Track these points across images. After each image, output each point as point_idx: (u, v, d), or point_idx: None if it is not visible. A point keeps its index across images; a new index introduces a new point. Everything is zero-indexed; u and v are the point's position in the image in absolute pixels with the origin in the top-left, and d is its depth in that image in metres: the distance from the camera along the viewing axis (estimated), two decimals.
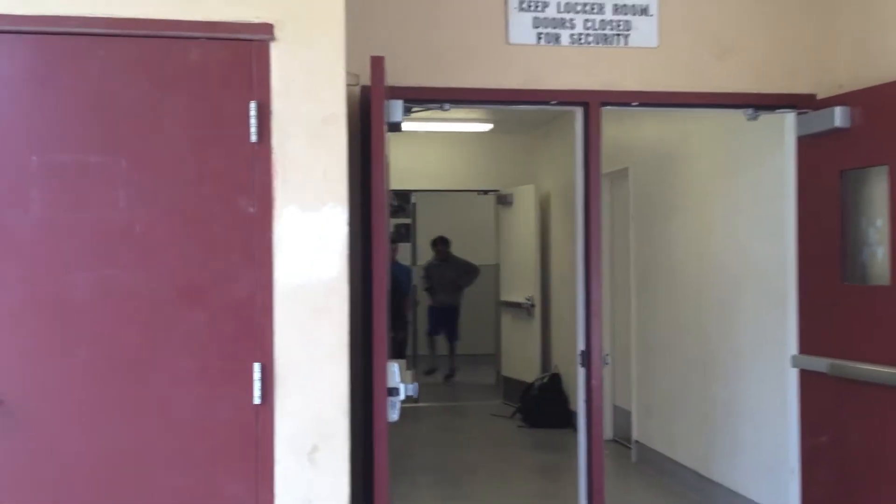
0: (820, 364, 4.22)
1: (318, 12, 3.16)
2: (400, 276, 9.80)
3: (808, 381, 4.38)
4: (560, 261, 8.87)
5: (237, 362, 3.04)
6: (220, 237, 3.06)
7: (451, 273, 11.54)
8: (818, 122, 4.24)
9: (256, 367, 3.04)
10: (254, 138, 3.06)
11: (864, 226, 4.21)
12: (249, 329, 3.05)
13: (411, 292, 10.88)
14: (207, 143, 3.06)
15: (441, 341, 12.16)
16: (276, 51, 3.10)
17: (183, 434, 3.03)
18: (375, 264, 3.35)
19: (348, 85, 3.39)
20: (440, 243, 11.53)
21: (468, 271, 11.56)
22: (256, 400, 3.03)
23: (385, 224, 3.41)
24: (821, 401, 4.31)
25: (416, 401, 9.75)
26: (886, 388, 3.81)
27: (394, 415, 3.31)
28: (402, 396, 3.33)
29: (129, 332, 3.02)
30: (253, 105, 3.06)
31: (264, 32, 3.08)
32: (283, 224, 3.09)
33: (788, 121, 4.49)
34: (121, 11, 3.02)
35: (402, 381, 3.35)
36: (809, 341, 4.38)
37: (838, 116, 4.11)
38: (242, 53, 3.07)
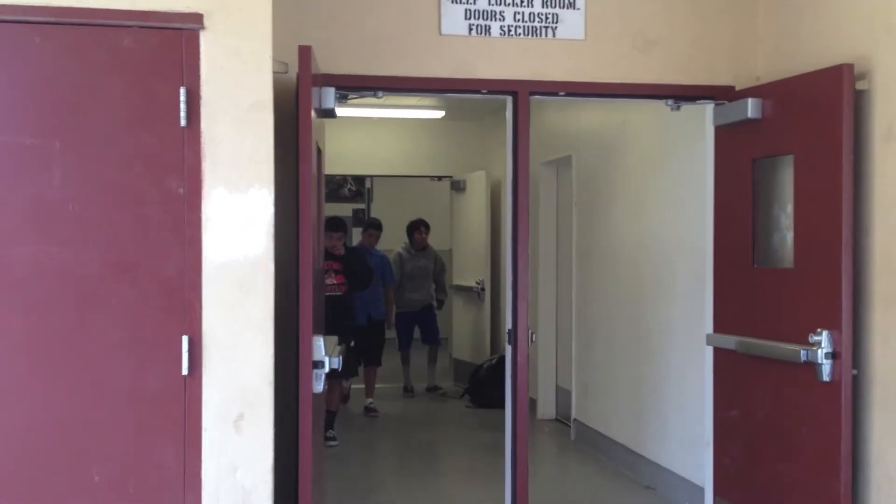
0: (730, 342, 4.46)
1: (247, 3, 3.31)
2: (381, 266, 8.81)
3: (721, 358, 4.63)
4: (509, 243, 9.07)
5: (166, 335, 3.21)
6: (151, 216, 3.22)
7: (430, 265, 9.71)
8: (733, 112, 4.46)
9: (185, 339, 3.20)
10: (183, 122, 3.22)
11: (775, 212, 4.45)
12: (178, 304, 3.22)
13: (394, 284, 9.30)
14: (139, 126, 3.21)
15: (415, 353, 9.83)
16: (205, 39, 3.26)
17: (114, 404, 3.20)
18: (302, 244, 3.53)
19: (279, 73, 3.57)
20: (421, 229, 9.60)
21: (443, 265, 9.96)
22: (185, 371, 3.20)
23: (313, 206, 3.58)
24: (731, 376, 4.56)
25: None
26: (788, 363, 4.06)
27: (318, 386, 3.50)
28: (326, 369, 3.52)
29: (63, 307, 3.18)
30: (183, 91, 3.22)
31: (194, 22, 3.23)
32: (212, 204, 3.26)
33: (708, 111, 4.72)
34: (56, 0, 3.16)
35: (327, 354, 3.54)
36: (722, 320, 4.62)
37: (751, 107, 4.34)
38: (173, 41, 3.23)
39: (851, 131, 3.81)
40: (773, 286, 4.30)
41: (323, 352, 3.51)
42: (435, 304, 9.88)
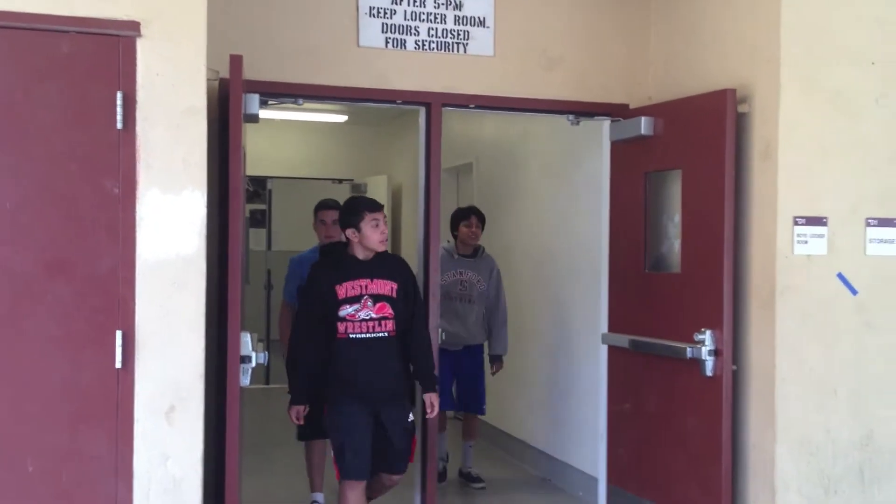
0: (623, 340, 4.84)
1: (182, 12, 3.47)
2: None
3: (615, 355, 5.01)
4: (410, 248, 9.35)
5: (100, 330, 3.34)
6: (87, 215, 3.34)
7: (482, 282, 6.08)
8: (627, 129, 4.84)
9: (118, 334, 3.34)
10: (119, 125, 3.36)
11: (664, 221, 4.84)
12: (112, 300, 3.35)
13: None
14: (76, 128, 3.33)
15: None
16: (142, 46, 3.40)
17: (49, 396, 3.30)
18: (231, 243, 3.70)
19: (208, 79, 3.73)
20: (471, 220, 6.08)
21: (498, 279, 6.20)
22: (118, 364, 3.34)
23: (242, 206, 3.76)
24: (624, 373, 4.94)
25: (267, 383, 10.06)
26: (675, 360, 4.44)
27: (245, 380, 3.68)
28: (253, 364, 3.70)
29: None
30: (119, 95, 3.35)
31: (131, 29, 3.37)
32: (146, 205, 3.40)
33: (604, 127, 5.09)
34: None
35: (254, 350, 3.72)
36: (616, 320, 4.99)
37: (643, 125, 4.72)
38: (110, 47, 3.36)
39: (733, 150, 4.22)
40: (663, 289, 4.68)
41: (250, 347, 3.68)
42: (485, 347, 6.12)
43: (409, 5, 4.72)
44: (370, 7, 4.68)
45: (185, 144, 3.46)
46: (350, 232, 4.28)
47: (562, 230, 6.35)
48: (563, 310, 6.30)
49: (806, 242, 4.10)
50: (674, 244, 4.73)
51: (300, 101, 4.68)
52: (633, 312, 4.88)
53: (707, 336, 4.27)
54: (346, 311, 4.20)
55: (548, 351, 6.49)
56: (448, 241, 6.16)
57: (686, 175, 4.52)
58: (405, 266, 4.47)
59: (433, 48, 4.79)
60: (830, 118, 4.13)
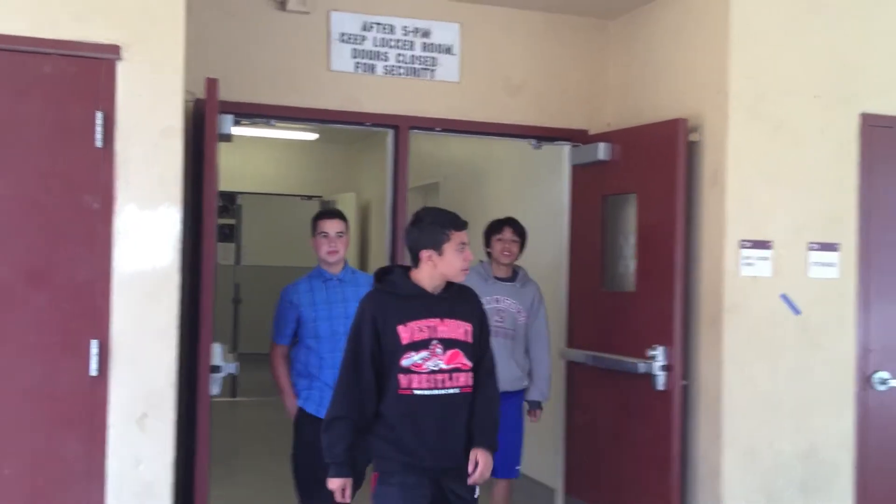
0: (581, 356, 5.04)
1: (162, 37, 3.64)
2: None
3: (573, 370, 5.21)
4: (378, 264, 9.50)
5: (77, 339, 3.47)
6: (66, 228, 3.49)
7: (521, 311, 4.95)
8: (586, 154, 5.06)
9: (94, 343, 3.48)
10: (99, 144, 3.51)
11: (621, 242, 5.07)
12: (89, 310, 3.49)
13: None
14: (57, 146, 3.48)
15: None
16: (122, 69, 3.56)
17: (26, 402, 3.44)
18: (205, 258, 3.86)
19: (185, 100, 3.89)
20: (504, 231, 5.03)
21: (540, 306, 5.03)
22: (93, 372, 3.48)
23: (215, 222, 3.92)
24: (582, 387, 5.14)
25: (234, 395, 10.16)
26: (630, 375, 4.64)
27: (215, 389, 3.83)
28: (223, 373, 3.85)
29: None
30: (99, 115, 3.51)
31: (112, 52, 3.54)
32: (123, 219, 3.56)
33: (565, 152, 5.30)
34: None
35: (224, 360, 3.88)
36: (575, 336, 5.20)
37: (601, 151, 4.94)
38: (92, 69, 3.52)
39: (684, 176, 4.45)
40: (618, 307, 4.90)
41: (220, 357, 3.83)
42: (525, 392, 4.98)
43: (378, 32, 4.92)
44: (341, 33, 4.87)
45: (161, 162, 3.62)
46: (426, 255, 3.34)
47: (524, 250, 6.53)
48: None
49: (752, 264, 4.33)
50: (629, 264, 4.95)
51: (273, 121, 4.85)
52: (591, 329, 5.08)
53: (659, 352, 4.48)
54: (410, 359, 3.28)
55: None
56: (482, 261, 5.05)
57: (641, 199, 4.75)
58: (478, 301, 3.54)
59: (401, 73, 4.98)
60: (776, 147, 4.37)
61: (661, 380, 4.48)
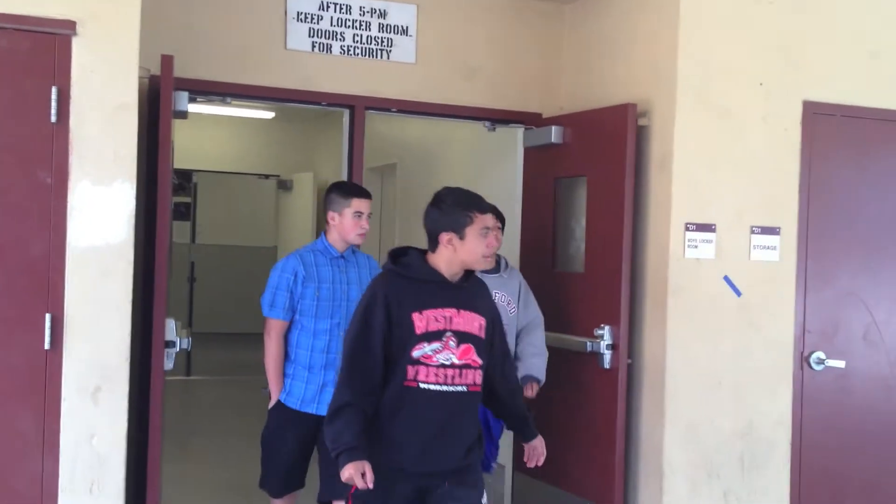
0: None
1: (117, 13, 3.66)
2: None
3: None
4: None
5: (31, 313, 3.50)
6: (20, 203, 3.51)
7: (513, 299, 4.66)
8: (539, 137, 5.16)
9: (48, 317, 3.51)
10: (53, 119, 3.53)
11: (572, 224, 5.18)
12: (43, 284, 3.52)
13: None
14: (12, 121, 3.50)
15: None
16: (77, 44, 3.58)
17: None
18: (159, 234, 3.89)
19: (140, 77, 3.91)
20: (495, 218, 3.68)
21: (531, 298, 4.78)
22: (47, 346, 3.51)
23: (169, 199, 3.95)
24: None
25: (188, 374, 10.17)
26: (579, 353, 4.76)
27: (169, 364, 3.88)
28: (177, 348, 3.90)
29: None
30: (54, 90, 3.52)
31: (67, 28, 3.55)
32: (78, 195, 3.58)
33: (519, 134, 5.40)
34: None
35: (178, 335, 3.92)
36: None
37: (554, 134, 5.04)
38: (47, 45, 3.53)
39: (633, 160, 4.56)
40: (569, 287, 5.01)
41: (174, 332, 3.88)
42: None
43: (335, 12, 4.96)
44: (298, 12, 4.90)
45: (116, 138, 3.64)
46: (446, 238, 3.09)
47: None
48: None
49: (696, 247, 4.47)
50: (579, 245, 5.06)
51: (228, 99, 4.87)
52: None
53: (605, 331, 4.61)
54: (421, 350, 3.02)
55: None
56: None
57: (591, 182, 4.86)
58: (491, 296, 3.34)
59: (358, 54, 5.03)
60: (721, 133, 4.50)
61: (607, 358, 4.61)
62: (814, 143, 4.64)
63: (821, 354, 4.66)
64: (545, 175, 5.21)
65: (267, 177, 11.48)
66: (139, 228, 4.06)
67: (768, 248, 4.57)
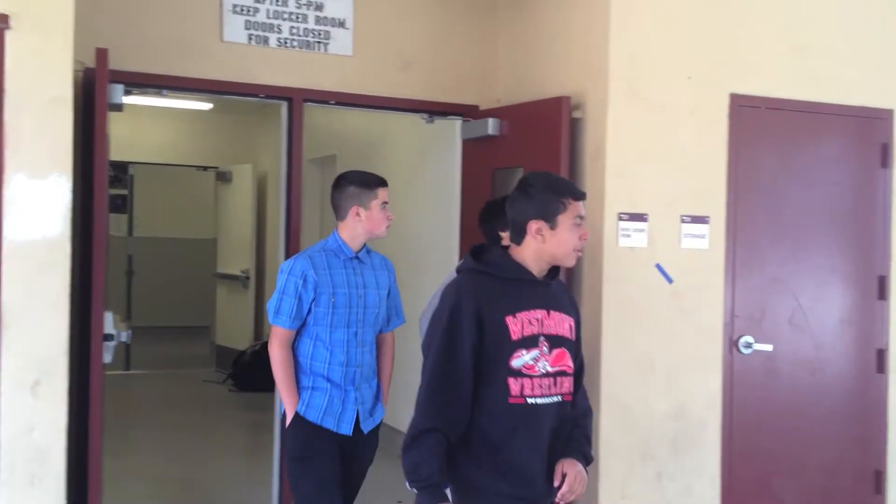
0: None
1: (51, 6, 3.64)
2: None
3: None
4: (275, 236, 9.52)
5: None
6: None
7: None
8: (477, 129, 5.24)
9: None
10: None
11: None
12: None
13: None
14: None
15: None
16: (10, 38, 3.55)
17: None
18: (97, 227, 3.88)
19: (75, 70, 3.89)
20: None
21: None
22: None
23: (106, 192, 3.94)
24: None
25: (127, 368, 10.07)
26: None
27: (108, 357, 3.88)
28: (116, 341, 3.90)
29: None
30: None
31: (0, 21, 3.51)
32: (13, 189, 3.56)
33: (457, 126, 5.47)
34: None
35: (116, 329, 3.92)
36: None
37: (490, 126, 5.13)
38: None
39: (568, 151, 4.67)
40: None
41: (112, 325, 3.88)
42: None
43: (271, 4, 4.97)
44: (234, 4, 4.90)
45: (51, 132, 3.63)
46: (535, 227, 2.70)
47: (418, 221, 6.71)
48: (415, 297, 6.65)
49: (629, 236, 4.59)
50: None
51: (164, 91, 4.86)
52: None
53: None
54: (521, 359, 2.65)
55: (400, 337, 6.83)
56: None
57: (527, 172, 4.94)
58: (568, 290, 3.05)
59: (295, 46, 5.04)
60: (652, 125, 4.63)
61: None
62: (741, 135, 4.79)
63: (749, 339, 4.83)
64: (483, 166, 5.29)
65: (205, 168, 11.36)
66: (76, 222, 4.04)
67: (698, 236, 4.72)
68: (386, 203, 3.77)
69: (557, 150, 4.67)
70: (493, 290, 2.65)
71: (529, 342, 2.65)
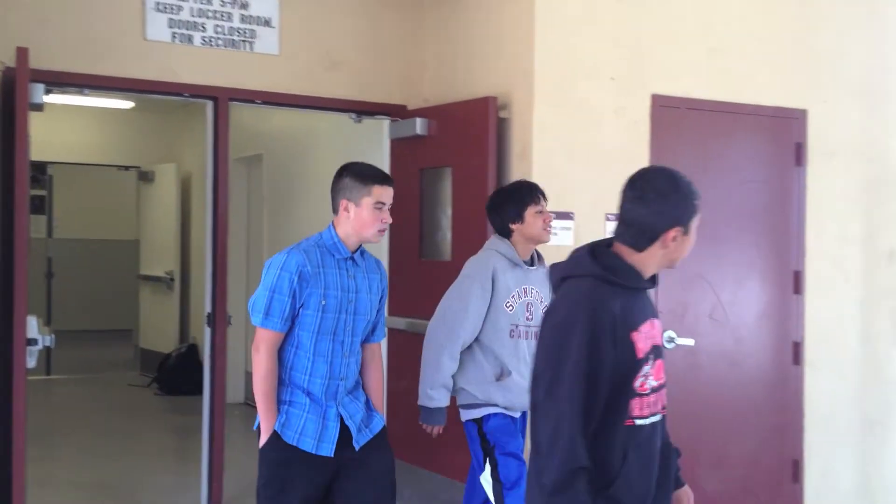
0: (401, 323, 5.27)
1: None
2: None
3: (394, 337, 5.42)
4: (200, 236, 9.36)
5: None
6: None
7: (545, 296, 3.96)
8: (405, 129, 5.27)
9: None
10: None
11: (438, 214, 5.31)
12: None
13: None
14: None
15: None
16: None
17: None
18: (18, 230, 3.80)
19: None
20: (540, 199, 3.97)
21: None
22: None
23: (27, 192, 3.86)
24: (401, 353, 5.37)
25: (48, 373, 9.83)
26: None
27: (31, 362, 3.79)
28: (39, 346, 3.82)
29: None
30: None
31: None
32: None
33: (384, 126, 5.49)
34: None
35: (40, 333, 3.84)
36: (395, 305, 5.41)
37: (418, 126, 5.16)
38: None
39: (495, 151, 4.73)
40: (435, 275, 5.14)
41: (36, 330, 3.80)
42: None
43: (195, 2, 4.92)
44: (157, 2, 4.84)
45: None
46: (672, 234, 2.38)
47: None
48: None
49: (556, 234, 4.66)
50: (446, 234, 5.20)
51: (86, 91, 4.77)
52: (409, 297, 5.31)
53: None
54: (640, 378, 2.36)
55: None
56: (495, 241, 3.96)
57: (455, 172, 5.00)
58: None
59: (220, 45, 5.00)
60: (576, 125, 4.72)
61: None
62: (661, 135, 4.92)
63: (672, 333, 4.96)
64: (411, 166, 5.32)
65: (127, 168, 11.13)
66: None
67: None
68: (383, 204, 3.28)
69: (485, 150, 4.73)
70: (619, 302, 2.32)
71: (648, 358, 2.36)
